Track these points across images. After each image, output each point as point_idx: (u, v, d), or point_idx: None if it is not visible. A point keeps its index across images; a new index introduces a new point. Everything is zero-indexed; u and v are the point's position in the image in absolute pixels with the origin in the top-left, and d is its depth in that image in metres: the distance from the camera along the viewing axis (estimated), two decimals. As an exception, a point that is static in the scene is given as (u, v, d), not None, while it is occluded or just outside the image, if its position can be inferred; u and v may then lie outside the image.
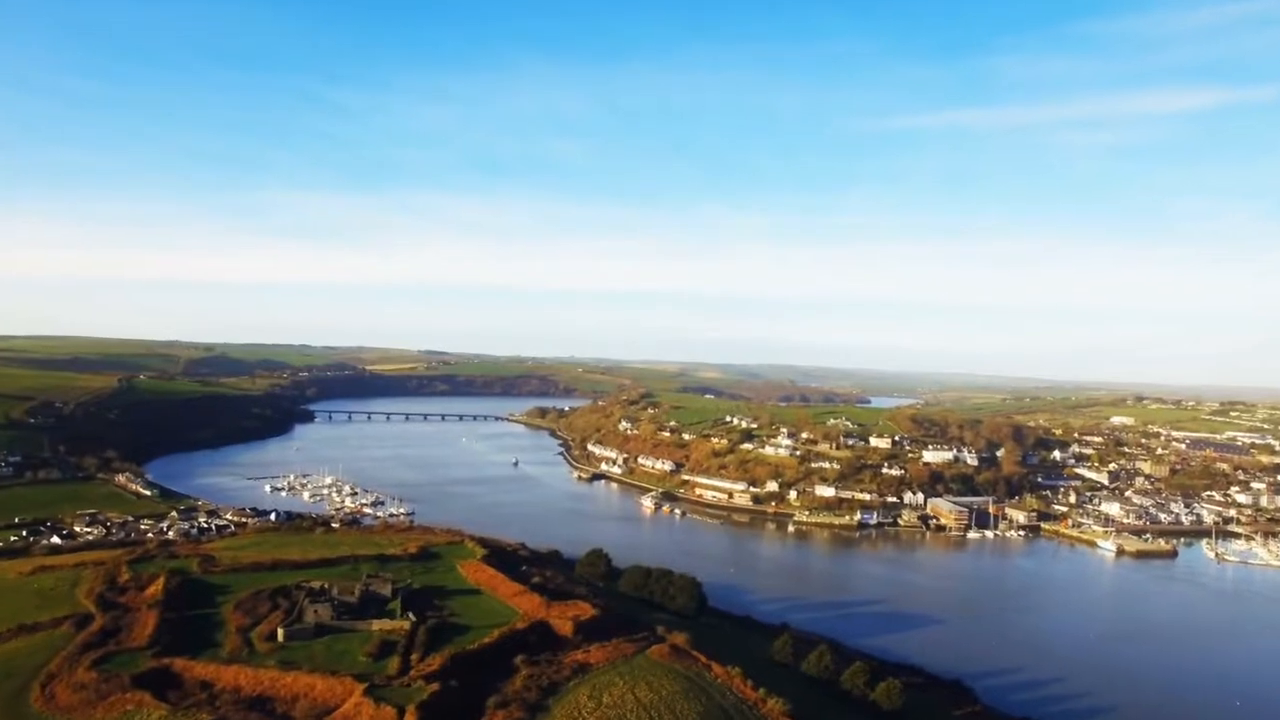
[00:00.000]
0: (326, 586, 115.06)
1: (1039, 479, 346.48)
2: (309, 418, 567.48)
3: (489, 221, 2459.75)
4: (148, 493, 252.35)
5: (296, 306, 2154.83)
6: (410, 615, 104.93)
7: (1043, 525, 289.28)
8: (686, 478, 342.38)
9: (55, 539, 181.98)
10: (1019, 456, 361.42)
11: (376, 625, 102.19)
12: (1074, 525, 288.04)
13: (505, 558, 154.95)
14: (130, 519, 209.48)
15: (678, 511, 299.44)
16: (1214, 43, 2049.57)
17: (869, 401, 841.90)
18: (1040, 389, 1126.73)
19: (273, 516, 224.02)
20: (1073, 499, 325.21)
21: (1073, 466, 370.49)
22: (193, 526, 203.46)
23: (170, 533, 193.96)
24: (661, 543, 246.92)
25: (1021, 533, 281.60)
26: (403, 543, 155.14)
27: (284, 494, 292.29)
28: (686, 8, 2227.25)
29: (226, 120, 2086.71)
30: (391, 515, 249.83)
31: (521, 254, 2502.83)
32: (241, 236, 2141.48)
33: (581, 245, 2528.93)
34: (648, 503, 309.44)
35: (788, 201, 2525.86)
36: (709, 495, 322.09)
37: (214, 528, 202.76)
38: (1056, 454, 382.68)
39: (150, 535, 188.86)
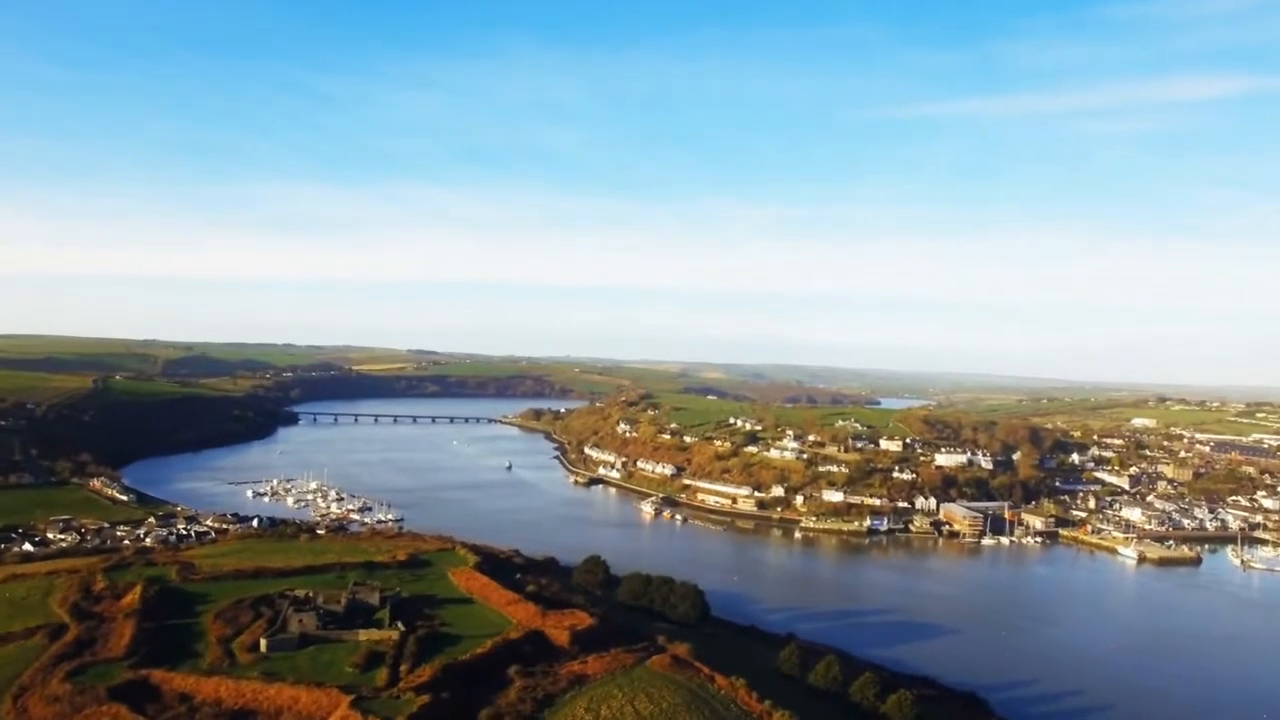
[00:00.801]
0: (311, 595, 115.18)
1: (1057, 483, 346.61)
2: (293, 420, 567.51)
3: (482, 215, 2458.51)
4: (124, 498, 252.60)
5: (280, 304, 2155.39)
6: (399, 625, 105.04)
7: (1061, 531, 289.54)
8: (688, 482, 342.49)
9: (27, 546, 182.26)
10: (1036, 460, 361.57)
11: (364, 635, 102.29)
12: (1093, 531, 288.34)
13: (498, 565, 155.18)
14: (106, 525, 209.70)
15: (679, 517, 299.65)
16: (1240, 27, 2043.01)
17: (879, 403, 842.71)
18: (1058, 389, 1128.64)
19: (255, 522, 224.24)
20: (1092, 504, 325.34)
21: (1092, 470, 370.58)
22: (171, 533, 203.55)
23: (148, 539, 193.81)
24: (662, 549, 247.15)
25: (1038, 539, 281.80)
26: (391, 550, 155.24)
27: (267, 499, 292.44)
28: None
29: (206, 109, 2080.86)
30: (379, 521, 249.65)
31: (515, 249, 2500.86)
32: (223, 231, 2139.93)
33: (578, 240, 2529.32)
34: (647, 508, 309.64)
35: (794, 194, 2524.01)
36: (711, 500, 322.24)
37: (193, 534, 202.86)
38: (1075, 457, 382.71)
39: (127, 542, 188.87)
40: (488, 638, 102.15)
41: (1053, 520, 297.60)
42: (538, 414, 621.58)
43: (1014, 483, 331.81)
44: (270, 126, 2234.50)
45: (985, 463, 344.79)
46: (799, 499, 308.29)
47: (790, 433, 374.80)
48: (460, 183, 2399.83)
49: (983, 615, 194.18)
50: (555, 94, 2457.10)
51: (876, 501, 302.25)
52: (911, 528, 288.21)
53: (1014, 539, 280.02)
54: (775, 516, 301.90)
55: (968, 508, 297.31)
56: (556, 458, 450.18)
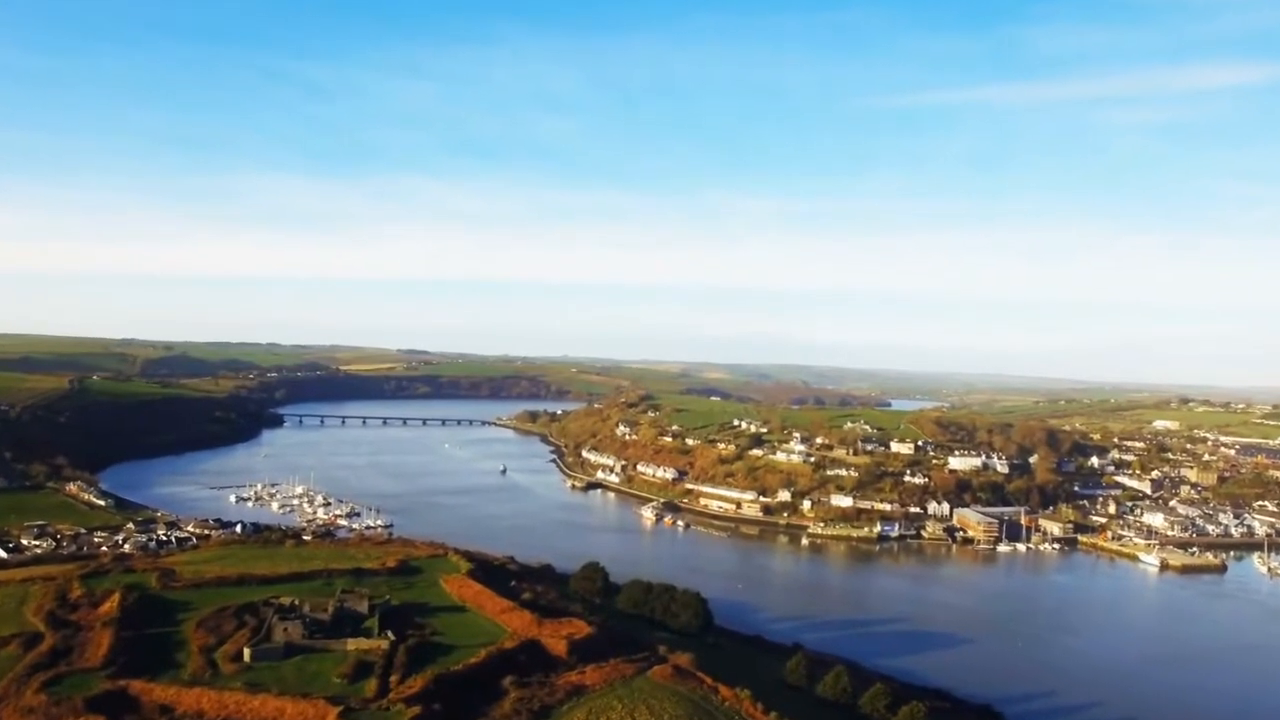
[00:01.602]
0: (297, 603, 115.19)
1: (1075, 488, 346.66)
2: (278, 422, 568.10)
3: (477, 210, 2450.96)
4: (101, 503, 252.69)
5: (264, 302, 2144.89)
6: (389, 634, 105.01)
7: (1080, 538, 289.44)
8: (690, 487, 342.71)
9: (0, 553, 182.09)
10: (1053, 463, 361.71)
11: (352, 644, 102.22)
12: (1114, 538, 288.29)
13: (493, 572, 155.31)
14: (82, 531, 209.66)
15: (681, 523, 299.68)
16: (1264, 11, 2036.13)
17: (889, 404, 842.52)
18: (1076, 390, 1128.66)
19: (238, 528, 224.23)
20: (1112, 509, 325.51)
21: (1112, 474, 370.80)
22: (151, 539, 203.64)
23: (126, 546, 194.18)
24: (663, 556, 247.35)
25: (1056, 546, 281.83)
26: (380, 556, 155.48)
27: (250, 504, 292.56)
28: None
29: (187, 99, 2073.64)
30: (368, 527, 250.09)
31: (510, 245, 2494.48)
32: (204, 225, 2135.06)
33: (575, 235, 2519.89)
34: (648, 513, 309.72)
35: (799, 186, 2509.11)
36: (715, 505, 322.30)
37: (174, 540, 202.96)
38: (1094, 461, 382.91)
39: (104, 548, 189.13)
40: (481, 647, 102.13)
41: (1071, 526, 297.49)
42: (533, 416, 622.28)
43: (1031, 487, 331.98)
44: (256, 117, 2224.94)
45: (1001, 466, 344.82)
46: (806, 504, 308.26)
47: (797, 435, 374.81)
48: (454, 176, 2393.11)
49: (998, 625, 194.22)
50: (552, 83, 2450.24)
51: (887, 506, 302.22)
52: (924, 534, 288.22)
53: (1030, 545, 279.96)
54: (781, 522, 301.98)
55: (982, 513, 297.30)
56: (553, 461, 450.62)
